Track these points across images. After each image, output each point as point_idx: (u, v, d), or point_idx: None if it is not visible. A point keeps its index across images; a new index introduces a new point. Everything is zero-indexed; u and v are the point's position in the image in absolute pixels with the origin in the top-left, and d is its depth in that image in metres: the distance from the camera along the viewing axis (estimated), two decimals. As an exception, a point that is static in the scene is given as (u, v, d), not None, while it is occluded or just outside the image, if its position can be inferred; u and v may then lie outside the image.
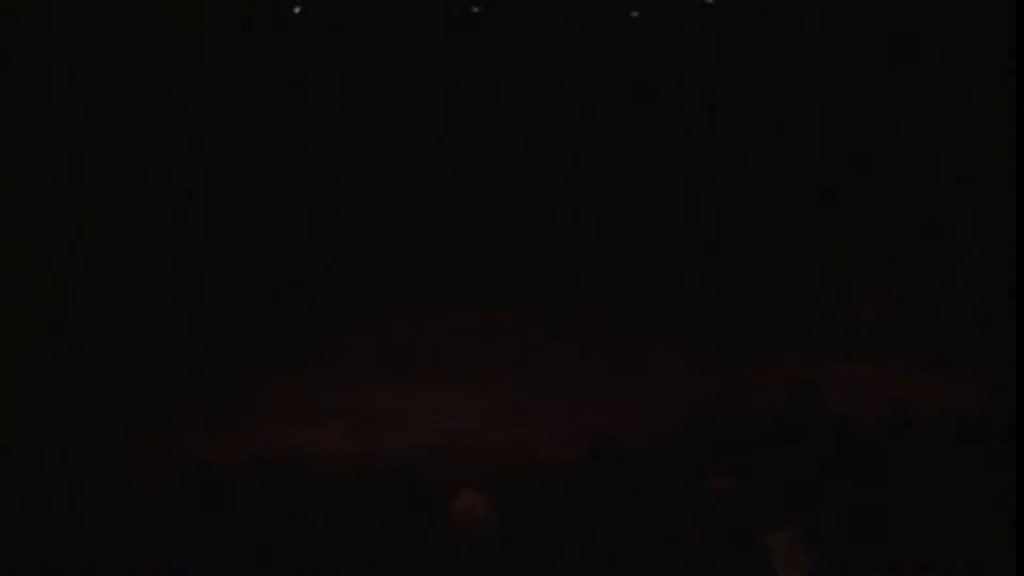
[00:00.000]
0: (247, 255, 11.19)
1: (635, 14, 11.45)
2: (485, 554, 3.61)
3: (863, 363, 9.23)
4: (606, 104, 13.03)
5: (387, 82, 12.45)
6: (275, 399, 8.49)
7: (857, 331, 10.08)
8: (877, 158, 10.76)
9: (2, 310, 9.33)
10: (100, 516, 3.83)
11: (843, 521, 3.89)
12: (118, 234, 9.95)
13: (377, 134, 12.54)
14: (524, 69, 12.83)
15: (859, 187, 10.97)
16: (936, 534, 3.87)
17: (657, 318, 11.37)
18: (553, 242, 13.33)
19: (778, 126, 11.40)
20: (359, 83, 12.36)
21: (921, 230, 10.27)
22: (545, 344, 10.17)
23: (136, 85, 10.24)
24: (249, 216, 11.52)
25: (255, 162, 10.74)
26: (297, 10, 10.36)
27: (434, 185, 12.74)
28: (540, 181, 13.18)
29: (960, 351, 9.16)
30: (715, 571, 3.56)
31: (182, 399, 8.49)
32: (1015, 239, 8.77)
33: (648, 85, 12.33)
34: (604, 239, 13.21)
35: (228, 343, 10.31)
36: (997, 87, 9.15)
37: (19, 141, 9.68)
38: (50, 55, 9.65)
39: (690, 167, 11.90)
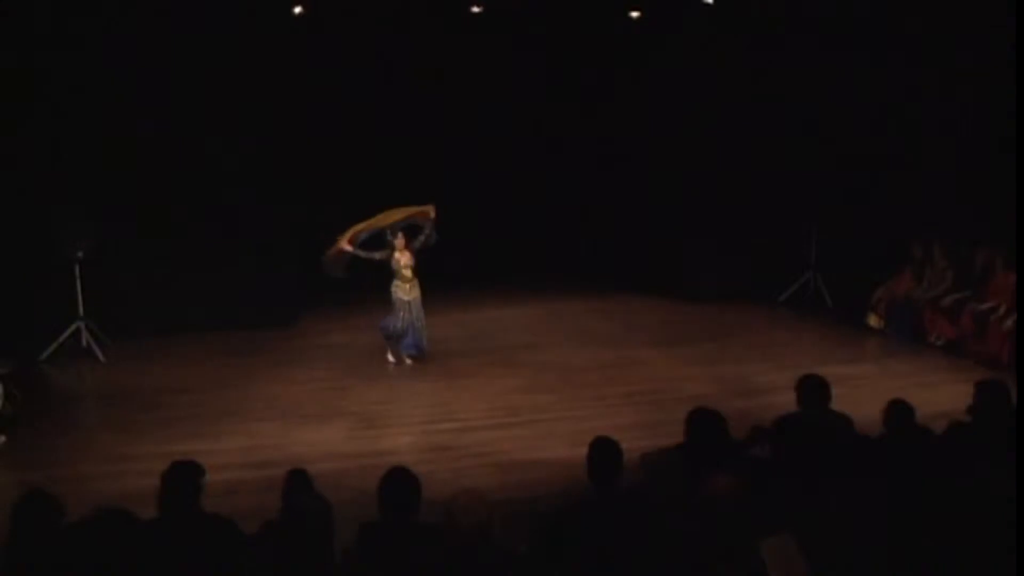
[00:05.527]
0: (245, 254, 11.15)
1: (635, 14, 11.40)
2: (485, 554, 3.61)
3: (868, 364, 9.25)
4: (607, 104, 13.05)
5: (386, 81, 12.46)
6: (275, 399, 8.49)
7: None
8: (877, 158, 10.75)
9: (3, 308, 9.34)
10: (88, 515, 3.83)
11: (842, 523, 3.88)
12: (118, 233, 9.92)
13: (375, 132, 12.56)
14: (523, 70, 12.84)
15: (863, 187, 10.96)
16: (936, 534, 3.86)
17: (659, 317, 11.38)
18: (555, 242, 13.33)
19: (783, 128, 11.37)
20: (361, 82, 12.38)
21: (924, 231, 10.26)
22: (546, 344, 10.16)
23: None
24: (248, 215, 11.50)
25: (252, 164, 10.69)
26: (298, 10, 10.30)
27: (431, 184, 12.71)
28: (538, 181, 13.18)
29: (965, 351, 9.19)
30: (715, 571, 3.56)
31: (182, 399, 8.50)
32: (1015, 240, 8.76)
33: (656, 84, 12.33)
34: (608, 239, 13.21)
35: (228, 342, 10.32)
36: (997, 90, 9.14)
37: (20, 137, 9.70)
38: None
39: (694, 167, 11.87)
